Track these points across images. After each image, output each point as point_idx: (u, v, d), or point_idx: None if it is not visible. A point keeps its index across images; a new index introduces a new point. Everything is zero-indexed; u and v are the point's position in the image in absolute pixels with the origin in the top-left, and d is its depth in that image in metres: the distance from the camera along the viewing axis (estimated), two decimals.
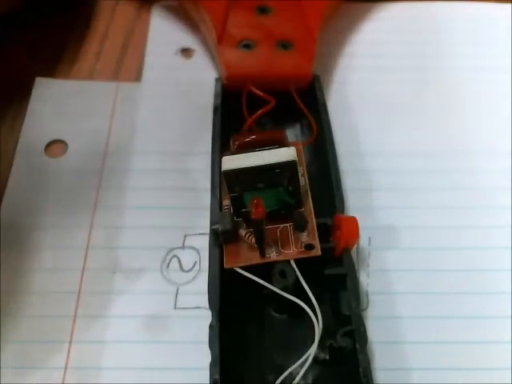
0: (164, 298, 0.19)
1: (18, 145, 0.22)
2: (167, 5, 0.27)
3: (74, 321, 0.19)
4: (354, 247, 0.18)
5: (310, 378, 0.17)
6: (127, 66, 0.25)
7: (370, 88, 0.24)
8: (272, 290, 0.16)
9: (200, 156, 0.21)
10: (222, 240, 0.17)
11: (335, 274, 0.17)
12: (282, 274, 0.16)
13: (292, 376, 0.16)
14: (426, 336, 0.18)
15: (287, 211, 0.17)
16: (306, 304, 0.16)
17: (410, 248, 0.20)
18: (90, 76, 0.25)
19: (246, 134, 0.17)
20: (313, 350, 0.16)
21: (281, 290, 0.16)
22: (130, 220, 0.21)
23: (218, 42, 0.22)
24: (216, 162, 0.19)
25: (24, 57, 0.25)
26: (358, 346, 0.16)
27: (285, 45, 0.22)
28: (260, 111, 0.20)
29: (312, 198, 0.18)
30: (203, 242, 0.18)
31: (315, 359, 0.16)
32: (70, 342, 0.18)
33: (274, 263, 0.16)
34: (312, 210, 0.17)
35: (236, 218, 0.17)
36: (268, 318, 0.18)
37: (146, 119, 0.23)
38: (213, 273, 0.17)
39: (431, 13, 0.27)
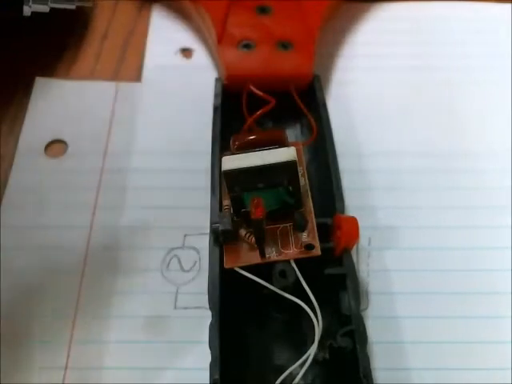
0: (164, 297, 0.19)
1: (18, 145, 0.22)
2: (167, 5, 0.27)
3: (74, 321, 0.19)
4: (354, 247, 0.18)
5: (309, 378, 0.17)
6: (127, 65, 0.25)
7: (369, 88, 0.24)
8: (272, 290, 0.16)
9: (200, 156, 0.21)
10: (221, 240, 0.17)
11: (335, 274, 0.17)
12: (282, 274, 0.16)
13: (292, 376, 0.16)
14: (426, 336, 0.18)
15: (287, 211, 0.17)
16: (306, 304, 0.16)
17: (410, 248, 0.20)
18: (90, 76, 0.25)
19: (245, 134, 0.17)
20: (313, 350, 0.16)
21: (281, 290, 0.16)
22: (130, 220, 0.21)
23: (218, 42, 0.22)
24: (216, 162, 0.19)
25: (24, 57, 0.25)
26: (357, 346, 0.16)
27: (285, 45, 0.22)
28: (260, 111, 0.20)
29: (312, 198, 0.18)
30: (203, 242, 0.18)
31: (315, 359, 0.16)
32: (70, 342, 0.18)
33: (274, 263, 0.16)
34: (312, 209, 0.17)
35: (236, 218, 0.17)
36: (268, 317, 0.18)
37: (145, 119, 0.23)
38: (213, 273, 0.17)
39: (431, 13, 0.27)
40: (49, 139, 0.23)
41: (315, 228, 0.17)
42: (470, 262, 0.20)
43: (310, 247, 0.17)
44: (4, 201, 0.21)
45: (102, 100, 0.24)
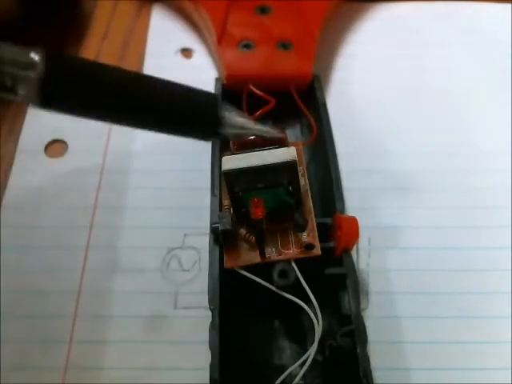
0: (164, 297, 0.19)
1: (18, 145, 0.22)
2: (167, 5, 0.27)
3: (74, 321, 0.19)
4: (354, 247, 0.18)
5: (310, 378, 0.17)
6: (127, 65, 0.25)
7: (369, 88, 0.24)
8: (272, 290, 0.16)
9: (200, 156, 0.21)
10: (221, 240, 0.17)
11: (335, 274, 0.17)
12: (282, 274, 0.16)
13: (292, 376, 0.16)
14: (426, 336, 0.18)
15: (287, 211, 0.17)
16: (306, 304, 0.16)
17: (410, 248, 0.20)
18: None
19: None
20: (313, 350, 0.16)
21: (281, 290, 0.16)
22: (129, 220, 0.21)
23: (218, 42, 0.22)
24: (216, 162, 0.19)
25: None
26: (358, 346, 0.16)
27: (285, 45, 0.22)
28: (260, 111, 0.20)
29: (312, 198, 0.18)
30: (203, 242, 0.18)
31: (315, 359, 0.16)
32: (70, 342, 0.18)
33: (273, 263, 0.16)
34: (312, 209, 0.17)
35: (236, 218, 0.17)
36: (268, 317, 0.18)
37: None
38: (213, 273, 0.17)
39: (431, 13, 0.27)
40: (49, 139, 0.23)
41: (315, 228, 0.17)
42: (470, 262, 0.20)
43: (310, 247, 0.17)
44: (4, 201, 0.21)
45: None
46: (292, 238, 0.17)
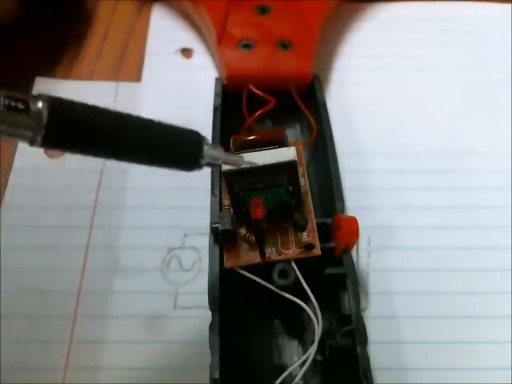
0: (164, 297, 0.19)
1: (18, 145, 0.22)
2: (167, 5, 0.27)
3: (74, 321, 0.19)
4: (354, 247, 0.18)
5: (310, 378, 0.17)
6: (127, 65, 0.25)
7: (369, 88, 0.24)
8: (272, 290, 0.16)
9: None
10: (221, 240, 0.17)
11: (335, 274, 0.17)
12: (282, 274, 0.16)
13: (292, 376, 0.16)
14: (426, 336, 0.18)
15: (287, 211, 0.17)
16: (306, 304, 0.16)
17: (410, 248, 0.20)
18: (90, 76, 0.25)
19: (245, 134, 0.17)
20: (313, 350, 0.16)
21: (281, 290, 0.16)
22: (129, 220, 0.21)
23: (218, 42, 0.22)
24: None
25: (24, 57, 0.25)
26: (357, 346, 0.16)
27: (285, 45, 0.22)
28: (260, 111, 0.20)
29: (312, 198, 0.18)
30: (203, 242, 0.18)
31: (315, 359, 0.16)
32: (70, 342, 0.18)
33: (273, 263, 0.16)
34: (312, 209, 0.17)
35: (236, 218, 0.17)
36: (268, 317, 0.18)
37: None
38: (213, 273, 0.17)
39: (431, 13, 0.27)
40: None
41: (315, 228, 0.17)
42: (470, 262, 0.20)
43: (310, 247, 0.17)
44: (4, 201, 0.21)
45: (102, 100, 0.23)
46: (292, 238, 0.17)
